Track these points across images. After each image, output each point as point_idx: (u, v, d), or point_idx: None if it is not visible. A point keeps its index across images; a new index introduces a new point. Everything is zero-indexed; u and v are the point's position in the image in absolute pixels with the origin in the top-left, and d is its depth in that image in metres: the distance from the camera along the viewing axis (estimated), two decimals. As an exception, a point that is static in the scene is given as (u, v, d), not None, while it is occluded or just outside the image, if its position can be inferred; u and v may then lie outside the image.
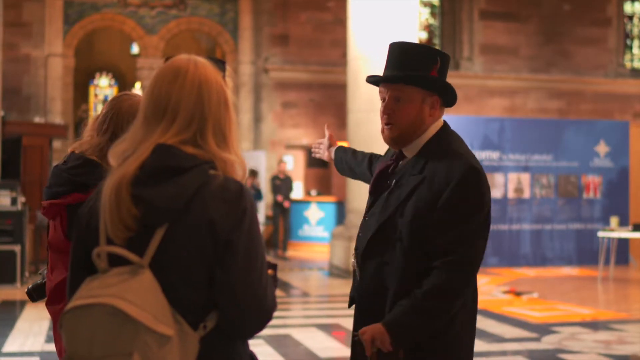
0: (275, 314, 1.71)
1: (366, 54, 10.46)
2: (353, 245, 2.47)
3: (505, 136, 12.98)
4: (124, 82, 22.65)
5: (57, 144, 15.04)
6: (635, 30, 19.64)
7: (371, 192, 2.42)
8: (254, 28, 17.18)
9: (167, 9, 17.15)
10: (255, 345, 6.38)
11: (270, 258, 9.84)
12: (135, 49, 20.02)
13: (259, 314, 1.64)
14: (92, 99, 22.99)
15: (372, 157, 2.81)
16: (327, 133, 2.99)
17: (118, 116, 2.35)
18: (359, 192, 10.36)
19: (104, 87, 23.11)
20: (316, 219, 15.83)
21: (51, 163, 13.49)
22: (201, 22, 17.35)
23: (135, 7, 17.01)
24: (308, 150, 17.16)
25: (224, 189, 1.61)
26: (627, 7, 19.43)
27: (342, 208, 14.59)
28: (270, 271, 1.74)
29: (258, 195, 14.56)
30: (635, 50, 19.63)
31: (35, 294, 2.56)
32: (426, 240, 2.20)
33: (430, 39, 18.39)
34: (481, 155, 12.62)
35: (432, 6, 18.48)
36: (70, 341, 1.55)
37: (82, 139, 2.43)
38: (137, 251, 1.59)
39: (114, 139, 2.27)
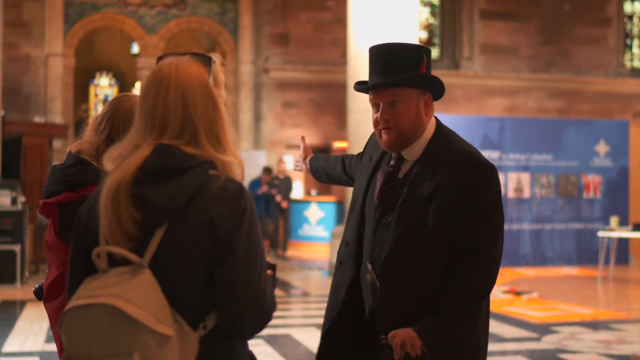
0: (275, 313, 1.71)
1: (366, 53, 10.40)
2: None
3: (505, 136, 12.98)
4: (124, 81, 22.64)
5: (57, 143, 15.04)
6: (635, 30, 19.64)
7: (379, 203, 2.34)
8: (254, 28, 17.18)
9: (167, 9, 17.15)
10: (255, 345, 6.38)
11: (269, 258, 9.84)
12: (135, 48, 20.02)
13: (259, 314, 1.64)
14: (92, 98, 22.98)
15: (344, 159, 2.78)
16: (301, 145, 2.92)
17: (115, 117, 2.36)
18: (359, 192, 10.35)
19: (104, 86, 23.11)
20: (316, 218, 15.83)
21: (51, 163, 13.49)
22: (201, 22, 17.35)
23: (136, 6, 17.01)
24: (308, 150, 17.17)
25: (223, 189, 1.61)
26: (627, 7, 19.43)
27: (342, 208, 14.59)
28: (269, 271, 1.74)
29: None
30: (635, 50, 19.63)
31: (41, 293, 2.58)
32: (452, 245, 2.19)
33: (430, 38, 18.39)
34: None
35: (432, 6, 18.48)
36: (69, 341, 1.55)
37: (81, 139, 2.45)
38: (137, 251, 1.59)
39: (110, 140, 2.29)
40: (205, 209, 1.59)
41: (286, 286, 10.66)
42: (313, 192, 16.69)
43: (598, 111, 18.46)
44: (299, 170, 2.99)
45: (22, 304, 8.84)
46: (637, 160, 13.78)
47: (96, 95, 23.06)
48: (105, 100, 22.41)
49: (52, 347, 6.40)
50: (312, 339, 6.98)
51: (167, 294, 1.57)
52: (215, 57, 1.80)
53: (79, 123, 21.02)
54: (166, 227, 1.59)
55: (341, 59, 15.10)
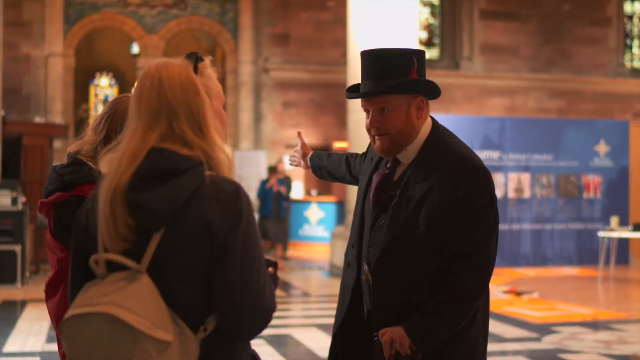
0: (276, 313, 1.70)
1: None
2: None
3: (505, 136, 12.98)
4: (124, 82, 22.64)
5: (57, 143, 15.04)
6: (635, 30, 19.64)
7: (374, 205, 2.36)
8: (254, 28, 17.18)
9: (167, 9, 17.15)
10: (256, 345, 6.37)
11: (270, 257, 9.81)
12: (135, 48, 20.02)
13: (258, 315, 1.64)
14: (92, 98, 22.99)
15: (349, 158, 2.78)
16: (299, 141, 2.90)
17: (113, 117, 2.38)
18: (359, 192, 10.35)
19: (104, 87, 23.11)
20: (316, 218, 15.83)
21: (51, 163, 13.49)
22: (201, 22, 17.35)
23: (136, 6, 17.01)
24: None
25: (220, 190, 1.61)
26: (627, 7, 19.43)
27: (343, 208, 14.59)
28: (270, 269, 1.74)
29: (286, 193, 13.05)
30: (635, 50, 19.63)
31: None
32: (444, 247, 2.19)
33: (430, 38, 18.39)
34: (481, 154, 12.61)
35: (432, 6, 18.48)
36: (70, 349, 1.56)
37: (81, 139, 2.46)
38: (134, 256, 1.59)
39: (108, 140, 2.30)
40: (202, 211, 1.58)
41: (286, 286, 10.66)
42: (313, 192, 16.69)
43: (598, 111, 18.46)
44: (296, 166, 2.97)
45: (23, 304, 8.84)
46: (637, 160, 13.78)
47: (96, 95, 23.06)
48: (105, 101, 22.42)
49: (53, 347, 6.40)
50: (312, 339, 6.98)
51: (166, 298, 1.57)
52: (206, 58, 1.81)
53: (79, 123, 21.02)
54: (163, 231, 1.58)
55: (341, 59, 15.10)
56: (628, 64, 19.42)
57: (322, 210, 15.82)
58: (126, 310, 1.51)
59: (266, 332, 6.69)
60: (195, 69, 1.72)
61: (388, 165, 2.37)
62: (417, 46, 11.05)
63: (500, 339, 7.01)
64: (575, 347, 6.72)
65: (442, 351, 2.22)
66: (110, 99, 2.61)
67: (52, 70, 16.13)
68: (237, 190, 1.63)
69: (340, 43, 15.33)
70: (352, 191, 10.93)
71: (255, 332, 1.67)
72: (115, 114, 2.38)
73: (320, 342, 6.84)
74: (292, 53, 17.18)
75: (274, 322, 1.70)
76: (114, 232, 1.59)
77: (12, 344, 6.67)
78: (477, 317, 2.25)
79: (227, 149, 1.73)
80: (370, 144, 2.52)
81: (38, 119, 14.88)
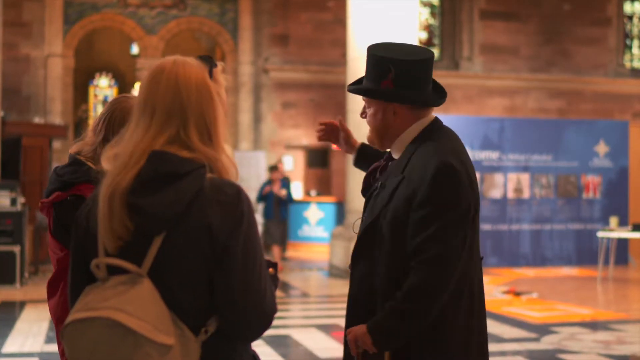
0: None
1: (366, 54, 10.45)
2: (353, 245, 2.48)
3: (505, 136, 12.98)
4: (123, 82, 22.64)
5: (56, 144, 15.04)
6: (635, 30, 19.64)
7: (362, 194, 2.45)
8: (254, 28, 17.18)
9: (167, 9, 17.15)
10: (255, 345, 6.36)
11: (270, 257, 9.80)
12: (135, 49, 20.01)
13: (260, 316, 1.64)
14: (91, 99, 22.98)
15: None
16: (343, 126, 2.80)
17: (110, 118, 2.39)
18: (358, 193, 10.32)
19: (103, 87, 23.10)
20: (316, 219, 15.83)
21: (51, 163, 13.49)
22: (201, 22, 17.35)
23: (135, 7, 17.01)
24: (308, 151, 17.17)
25: (221, 192, 1.61)
26: (627, 7, 19.42)
27: (342, 208, 14.59)
28: (270, 270, 1.74)
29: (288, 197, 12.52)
30: (635, 50, 19.63)
31: None
32: (406, 241, 2.19)
33: (430, 39, 18.39)
34: (481, 155, 12.63)
35: (432, 6, 18.48)
36: (71, 353, 1.56)
37: (82, 140, 2.48)
38: (135, 259, 1.59)
39: (106, 141, 2.32)
40: (203, 214, 1.58)
41: (286, 287, 10.66)
42: (312, 192, 16.69)
43: (598, 111, 18.46)
44: (323, 140, 2.81)
45: (22, 304, 8.84)
46: (637, 160, 13.78)
47: (96, 95, 23.06)
48: (104, 101, 22.42)
49: (52, 347, 6.40)
50: (311, 340, 6.98)
51: (167, 301, 1.57)
52: (219, 63, 1.82)
53: (79, 124, 21.03)
54: (165, 234, 1.58)
55: (341, 60, 15.10)
56: (628, 64, 19.42)
57: (321, 210, 15.81)
58: (127, 314, 1.51)
59: (265, 332, 6.67)
60: (210, 74, 1.72)
61: (384, 158, 2.44)
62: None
63: (499, 339, 7.01)
64: (575, 348, 6.72)
65: (410, 350, 2.19)
66: (110, 99, 2.62)
67: (52, 70, 16.13)
68: (238, 193, 1.63)
69: (340, 43, 15.33)
70: (352, 192, 10.93)
71: (256, 334, 1.67)
72: (113, 114, 2.39)
73: (320, 343, 6.85)
74: (292, 53, 17.18)
75: (273, 322, 1.71)
76: (109, 230, 1.59)
77: (11, 345, 6.67)
78: (448, 314, 2.18)
79: (228, 149, 1.72)
80: None
81: (37, 120, 14.88)
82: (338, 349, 6.60)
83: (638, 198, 13.75)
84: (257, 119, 17.13)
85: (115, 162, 1.63)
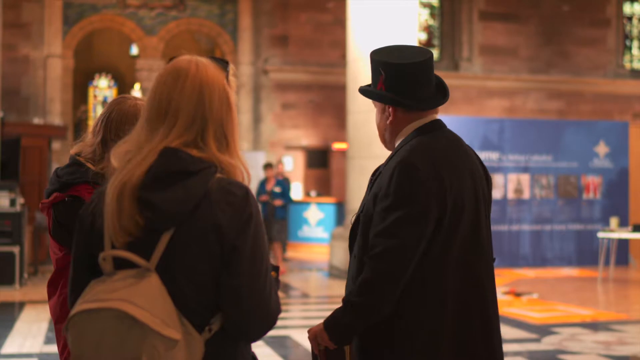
0: (275, 315, 1.71)
1: (366, 55, 10.40)
2: None
3: (504, 137, 12.98)
4: (123, 83, 22.64)
5: (56, 144, 15.03)
6: (635, 31, 19.64)
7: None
8: (254, 29, 17.18)
9: (166, 10, 17.15)
10: (255, 346, 6.36)
11: (271, 260, 9.78)
12: (134, 50, 20.01)
13: (264, 317, 1.65)
14: (91, 100, 22.98)
15: None
16: None
17: (108, 119, 2.39)
18: (358, 193, 10.35)
19: (103, 88, 23.11)
20: (316, 219, 15.83)
21: (50, 164, 13.49)
22: (201, 23, 17.35)
23: (135, 8, 17.01)
24: (307, 151, 17.17)
25: (230, 193, 1.62)
26: (627, 8, 19.43)
27: (342, 209, 14.59)
28: (272, 273, 1.74)
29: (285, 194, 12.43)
30: (634, 51, 19.63)
31: None
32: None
33: (429, 39, 18.39)
34: (481, 156, 12.45)
35: (431, 7, 18.49)
36: (76, 345, 1.55)
37: (82, 141, 2.48)
38: (143, 254, 1.59)
39: (104, 142, 2.32)
40: (212, 213, 1.59)
41: (286, 287, 10.65)
42: (312, 193, 16.68)
43: (597, 112, 18.47)
44: None
45: (21, 305, 8.83)
46: (637, 161, 13.78)
47: (95, 96, 23.06)
48: (104, 102, 22.43)
49: (51, 348, 6.39)
50: (311, 341, 6.97)
51: (173, 297, 1.57)
52: (230, 66, 1.82)
53: (78, 124, 21.03)
54: (173, 231, 1.59)
55: (341, 61, 15.11)
56: (627, 65, 19.43)
57: (321, 211, 15.81)
58: (136, 306, 1.51)
59: (265, 333, 6.67)
60: (226, 79, 1.74)
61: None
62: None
63: (500, 340, 7.00)
64: (575, 348, 6.71)
65: (371, 344, 2.20)
66: (109, 100, 2.63)
67: (51, 71, 16.13)
68: (246, 194, 1.64)
69: (340, 44, 15.33)
70: (352, 192, 10.92)
71: (260, 334, 1.68)
72: (110, 116, 2.38)
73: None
74: (292, 54, 17.18)
75: (273, 323, 1.71)
76: (118, 225, 1.59)
77: (10, 346, 6.66)
78: (406, 306, 2.17)
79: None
80: None
81: (37, 120, 14.88)
82: (338, 350, 6.60)
83: (638, 199, 13.74)
84: (256, 119, 17.13)
85: (125, 158, 1.63)
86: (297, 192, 16.50)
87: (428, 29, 18.44)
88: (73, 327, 1.54)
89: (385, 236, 2.16)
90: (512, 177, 12.91)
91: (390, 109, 2.36)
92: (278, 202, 12.13)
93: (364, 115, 10.32)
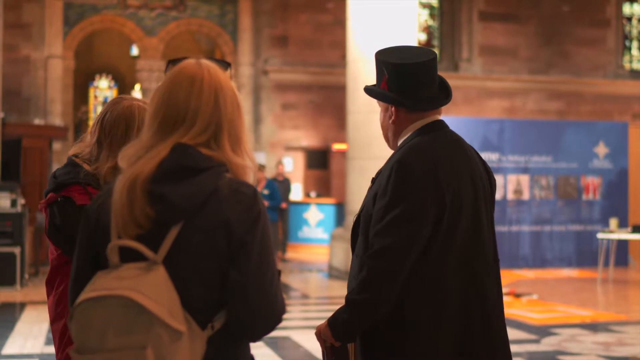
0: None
1: (366, 55, 10.46)
2: None
3: (504, 137, 12.99)
4: (123, 83, 22.65)
5: (57, 145, 15.04)
6: (634, 32, 19.65)
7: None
8: (254, 29, 17.19)
9: (166, 11, 17.16)
10: (255, 347, 6.37)
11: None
12: (134, 50, 20.02)
13: (269, 316, 1.66)
14: (91, 100, 22.99)
15: None
16: None
17: (103, 120, 2.40)
18: (358, 194, 10.36)
19: (103, 88, 23.12)
20: (316, 220, 15.83)
21: (51, 165, 13.49)
22: (201, 24, 17.35)
23: (135, 8, 17.02)
24: (307, 152, 17.18)
25: (238, 192, 1.64)
26: (626, 9, 19.44)
27: (342, 209, 14.59)
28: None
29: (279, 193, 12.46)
30: (634, 52, 19.64)
31: None
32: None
33: (429, 40, 18.40)
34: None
35: (431, 7, 18.49)
36: (81, 333, 1.55)
37: (81, 142, 2.49)
38: (151, 247, 1.60)
39: (99, 143, 2.33)
40: (220, 210, 1.61)
41: (286, 288, 10.65)
42: (312, 194, 16.69)
43: (597, 113, 18.47)
44: None
45: (22, 306, 8.84)
46: (637, 161, 13.79)
47: (96, 97, 23.07)
48: (104, 102, 22.42)
49: (52, 349, 6.39)
50: (311, 341, 6.97)
51: (178, 292, 1.58)
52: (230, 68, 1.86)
53: (79, 125, 21.03)
54: (181, 226, 1.60)
55: (341, 61, 15.11)
56: (627, 66, 19.43)
57: (321, 212, 15.82)
58: (144, 295, 1.51)
59: (265, 334, 6.68)
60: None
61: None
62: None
63: (500, 341, 7.00)
64: (575, 349, 6.72)
65: (375, 341, 2.24)
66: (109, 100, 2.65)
67: (52, 72, 16.13)
68: (254, 193, 1.66)
69: (340, 45, 15.34)
70: (352, 193, 10.93)
71: (264, 333, 1.69)
72: (105, 117, 2.39)
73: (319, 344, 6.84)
74: (292, 55, 17.19)
75: (273, 324, 1.72)
76: (129, 218, 1.60)
77: (11, 346, 6.67)
78: (406, 304, 2.19)
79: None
80: None
81: (37, 121, 14.88)
82: (338, 351, 6.60)
83: (638, 199, 13.75)
84: (256, 120, 17.13)
85: (133, 160, 1.65)
86: (297, 192, 16.51)
87: (428, 30, 18.45)
88: (78, 315, 1.54)
89: (382, 235, 2.19)
90: (512, 178, 12.92)
91: (393, 109, 2.39)
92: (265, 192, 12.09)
93: (364, 115, 10.33)
